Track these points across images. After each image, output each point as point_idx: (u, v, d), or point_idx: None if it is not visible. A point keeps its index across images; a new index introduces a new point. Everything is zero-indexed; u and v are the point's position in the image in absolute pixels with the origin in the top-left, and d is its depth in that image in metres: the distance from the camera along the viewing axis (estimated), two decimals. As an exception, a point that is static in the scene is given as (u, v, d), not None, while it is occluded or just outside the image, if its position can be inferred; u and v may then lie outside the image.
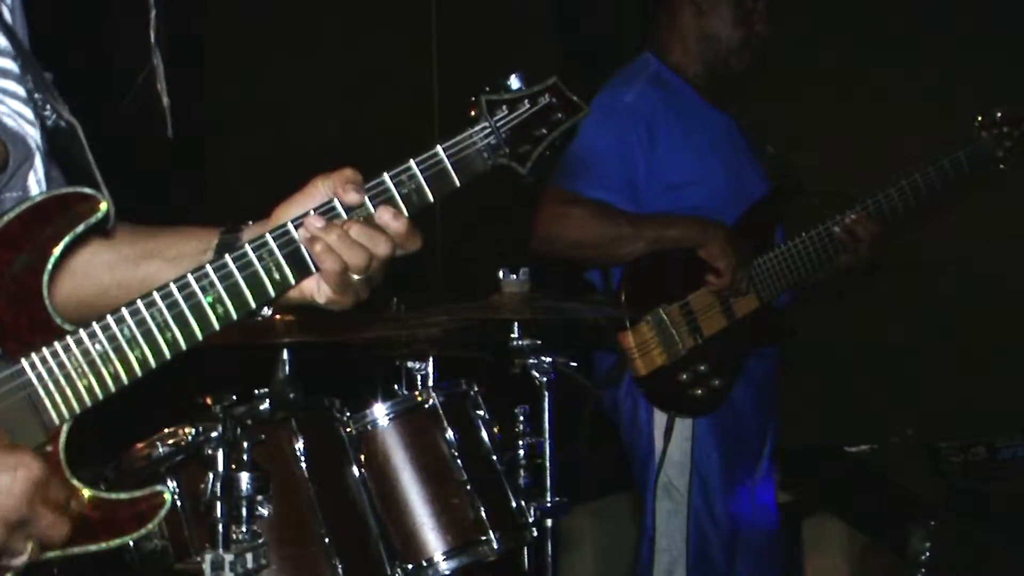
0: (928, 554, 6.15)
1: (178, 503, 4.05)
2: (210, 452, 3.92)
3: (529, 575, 4.72)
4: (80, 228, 2.42)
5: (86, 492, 2.40)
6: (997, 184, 5.91)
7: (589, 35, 5.50)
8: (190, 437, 4.02)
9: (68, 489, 2.38)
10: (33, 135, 2.57)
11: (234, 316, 2.52)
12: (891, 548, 6.23)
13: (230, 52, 8.39)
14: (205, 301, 2.48)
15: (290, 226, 2.54)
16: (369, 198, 2.60)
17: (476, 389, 4.63)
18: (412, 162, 2.64)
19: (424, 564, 4.35)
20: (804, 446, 6.22)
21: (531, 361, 4.71)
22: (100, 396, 2.43)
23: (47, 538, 2.26)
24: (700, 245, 5.25)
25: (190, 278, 2.48)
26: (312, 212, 2.56)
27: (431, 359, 4.60)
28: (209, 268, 2.50)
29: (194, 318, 2.48)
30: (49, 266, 2.40)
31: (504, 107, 2.72)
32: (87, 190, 2.44)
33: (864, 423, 7.06)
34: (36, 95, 2.58)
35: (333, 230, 2.54)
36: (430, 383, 4.59)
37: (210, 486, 3.90)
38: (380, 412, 4.43)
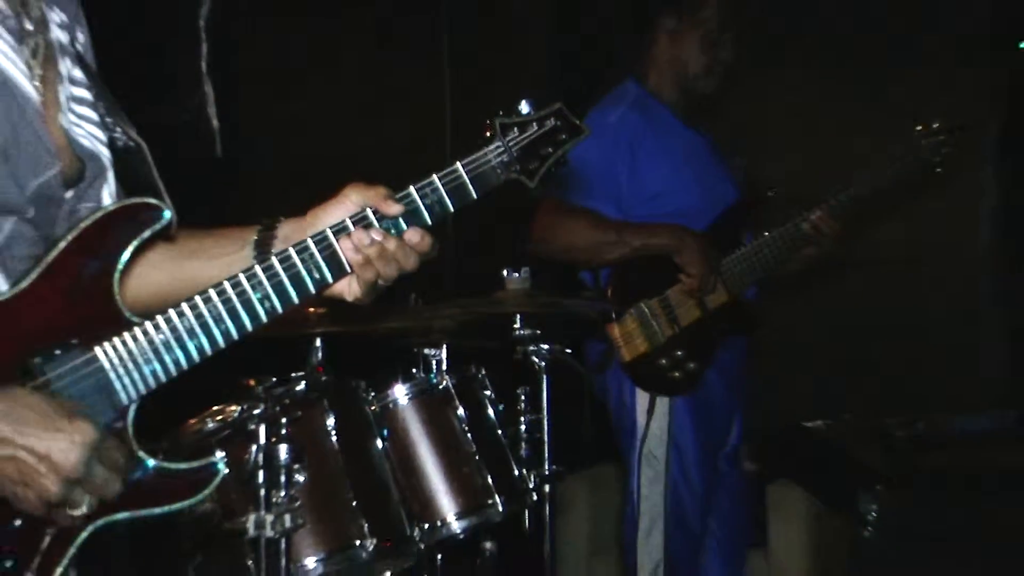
0: (875, 515, 6.15)
1: (224, 472, 4.04)
2: (253, 427, 3.99)
3: (529, 535, 4.76)
4: (146, 233, 2.46)
5: (151, 463, 2.45)
6: (935, 185, 5.93)
7: (586, 69, 5.50)
8: (236, 414, 4.09)
9: (134, 460, 2.42)
10: (105, 153, 2.60)
11: (279, 310, 2.56)
12: (843, 511, 6.24)
13: (264, 74, 8.40)
14: (255, 297, 2.52)
15: (329, 233, 2.58)
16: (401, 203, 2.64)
17: (483, 373, 4.67)
18: (435, 176, 2.68)
19: (439, 524, 4.39)
20: (768, 422, 6.22)
21: (531, 348, 4.77)
22: (163, 379, 2.46)
23: (102, 493, 2.30)
24: (676, 252, 5.27)
25: (241, 277, 2.52)
26: (348, 221, 2.60)
27: (444, 346, 4.62)
28: (258, 268, 2.54)
29: (245, 312, 2.52)
30: (120, 266, 2.44)
31: (515, 129, 2.77)
32: (152, 200, 2.48)
33: (820, 402, 7.06)
34: (107, 119, 2.62)
35: (374, 247, 2.60)
36: (443, 367, 4.60)
37: (253, 457, 3.97)
38: (400, 392, 4.46)
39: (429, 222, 2.67)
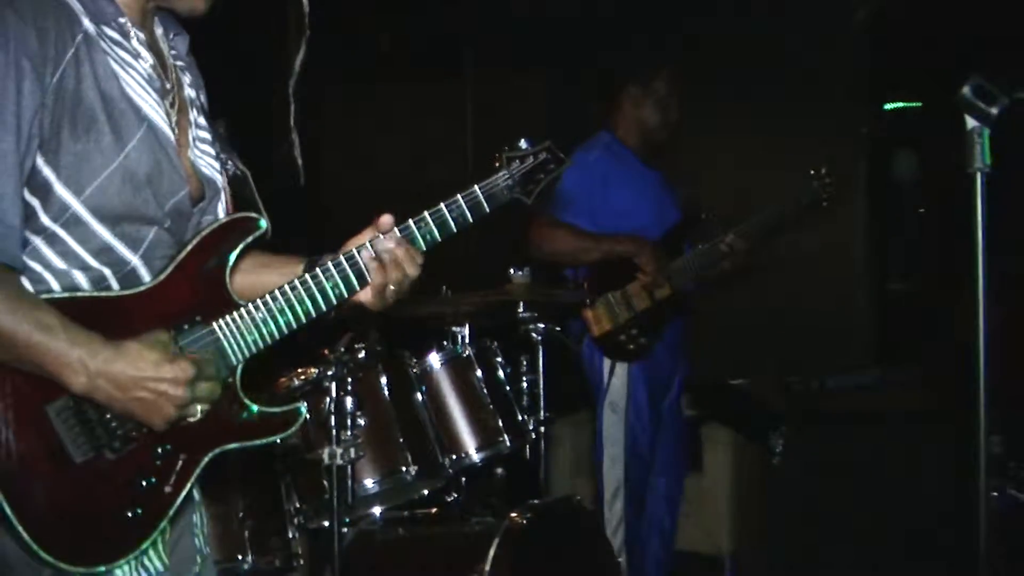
0: (780, 448, 6.16)
1: (307, 416, 4.04)
2: (327, 385, 3.99)
3: (529, 464, 4.75)
4: (249, 239, 2.46)
5: (255, 407, 2.46)
6: (822, 217, 5.94)
7: (577, 133, 5.55)
8: (314, 375, 4.08)
9: (241, 405, 2.44)
10: (220, 180, 2.59)
11: (344, 295, 2.55)
12: (758, 445, 6.24)
13: (334, 126, 8.37)
14: (327, 285, 2.52)
15: (354, 249, 2.58)
16: (431, 217, 2.62)
17: (495, 344, 4.64)
18: (459, 196, 2.64)
19: (463, 455, 4.38)
20: (702, 379, 6.21)
21: (530, 327, 4.77)
22: (262, 346, 2.46)
23: (206, 402, 2.34)
24: (636, 255, 5.29)
25: (317, 270, 2.53)
26: (367, 241, 2.59)
27: (467, 325, 4.60)
28: (329, 264, 2.54)
29: (320, 296, 2.52)
30: (230, 263, 2.45)
31: (518, 160, 2.74)
32: (254, 215, 2.49)
33: (741, 364, 7.05)
34: (221, 155, 2.61)
35: (387, 253, 2.59)
36: (466, 340, 4.58)
37: (327, 406, 3.98)
38: (435, 359, 4.44)
39: (455, 230, 2.63)
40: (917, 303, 7.91)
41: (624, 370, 5.37)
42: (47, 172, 2.22)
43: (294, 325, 2.51)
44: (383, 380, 4.28)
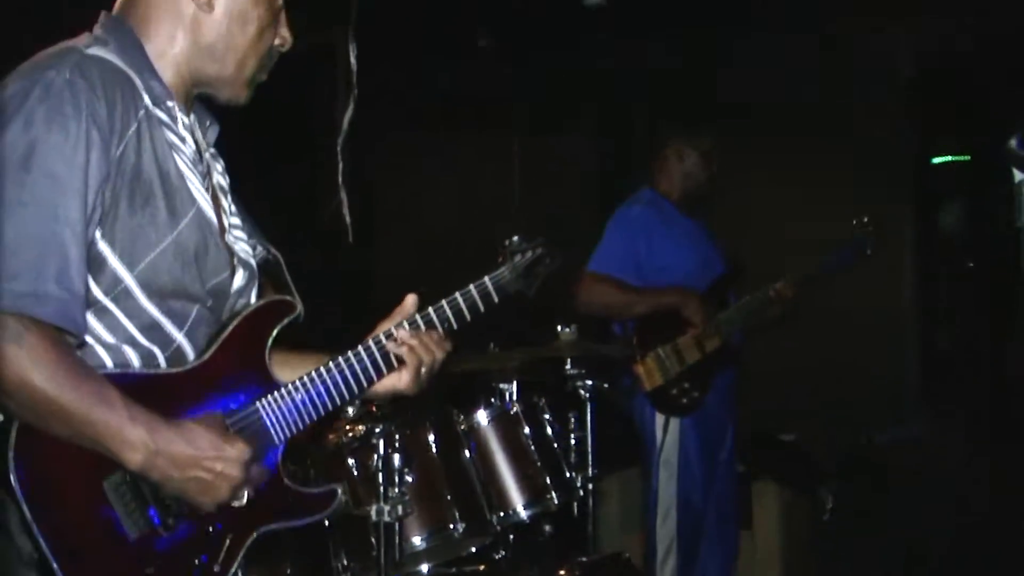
0: (830, 504, 6.11)
1: (355, 472, 4.04)
2: (375, 441, 3.95)
3: (576, 520, 4.67)
4: (285, 320, 2.51)
5: (294, 488, 2.50)
6: (871, 269, 5.91)
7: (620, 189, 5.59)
8: (363, 431, 4.04)
9: (282, 487, 2.48)
10: (254, 264, 2.60)
11: (375, 377, 2.64)
12: (808, 500, 6.19)
13: (385, 185, 8.40)
14: (358, 368, 2.61)
15: (382, 336, 2.66)
16: (448, 305, 2.74)
17: (543, 401, 4.58)
18: (471, 286, 2.78)
19: (511, 512, 4.32)
20: (750, 434, 6.16)
21: (578, 383, 4.71)
22: (302, 427, 2.50)
23: (256, 485, 2.37)
24: (683, 308, 5.27)
25: (349, 353, 2.61)
26: (392, 328, 2.68)
27: (515, 381, 4.55)
28: (360, 348, 2.63)
29: (352, 378, 2.59)
30: (269, 342, 2.49)
31: (519, 255, 2.89)
32: (289, 298, 2.53)
33: (790, 417, 7.00)
34: (252, 239, 2.61)
35: (413, 339, 2.67)
36: (514, 397, 4.53)
37: (375, 462, 3.94)
38: (482, 416, 4.38)
39: (468, 317, 2.76)
40: (964, 356, 7.82)
41: (677, 425, 5.32)
42: (102, 245, 2.22)
43: (330, 407, 2.56)
44: (431, 436, 4.23)
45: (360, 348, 2.63)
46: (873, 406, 7.33)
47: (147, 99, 2.32)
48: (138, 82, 2.32)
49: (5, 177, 2.10)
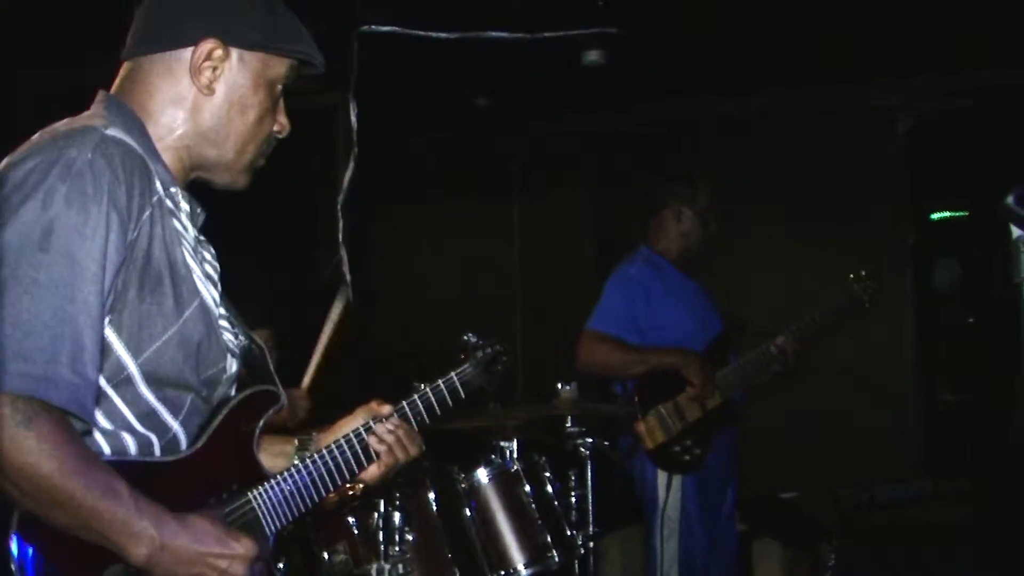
0: (832, 561, 6.07)
1: (355, 531, 4.02)
2: (375, 500, 3.97)
3: (578, 578, 4.66)
4: (271, 411, 2.51)
5: None
6: (869, 325, 5.91)
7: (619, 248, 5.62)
8: (363, 490, 3.99)
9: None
10: (237, 354, 2.55)
11: (356, 471, 2.68)
12: (809, 559, 6.14)
13: (384, 244, 8.42)
14: (340, 461, 2.64)
15: (361, 430, 2.72)
16: (420, 399, 2.84)
17: (544, 459, 4.55)
18: (439, 381, 2.90)
19: (511, 571, 4.26)
20: (752, 492, 6.13)
21: (578, 441, 4.69)
22: (291, 518, 2.49)
23: None
24: (683, 368, 5.23)
25: (332, 445, 2.64)
26: (372, 422, 2.75)
27: (515, 440, 4.54)
28: (341, 440, 2.67)
29: (336, 471, 2.62)
30: (256, 434, 2.48)
31: (480, 351, 3.02)
32: (273, 388, 2.52)
33: (790, 475, 6.99)
34: (236, 329, 2.57)
35: (392, 435, 2.74)
36: (514, 455, 4.51)
37: (375, 521, 3.95)
38: (482, 474, 4.35)
39: (439, 412, 2.87)
40: (966, 412, 7.80)
41: (679, 483, 5.26)
42: (109, 331, 2.18)
43: (316, 499, 2.56)
44: (431, 495, 4.21)
45: (342, 440, 2.65)
46: (874, 463, 7.31)
47: (158, 184, 2.30)
48: (151, 166, 2.30)
49: (22, 255, 2.05)
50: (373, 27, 4.62)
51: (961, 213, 7.85)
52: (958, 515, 6.28)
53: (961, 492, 6.56)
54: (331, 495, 2.63)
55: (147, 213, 2.22)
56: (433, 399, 2.84)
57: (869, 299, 5.64)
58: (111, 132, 2.22)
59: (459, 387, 2.91)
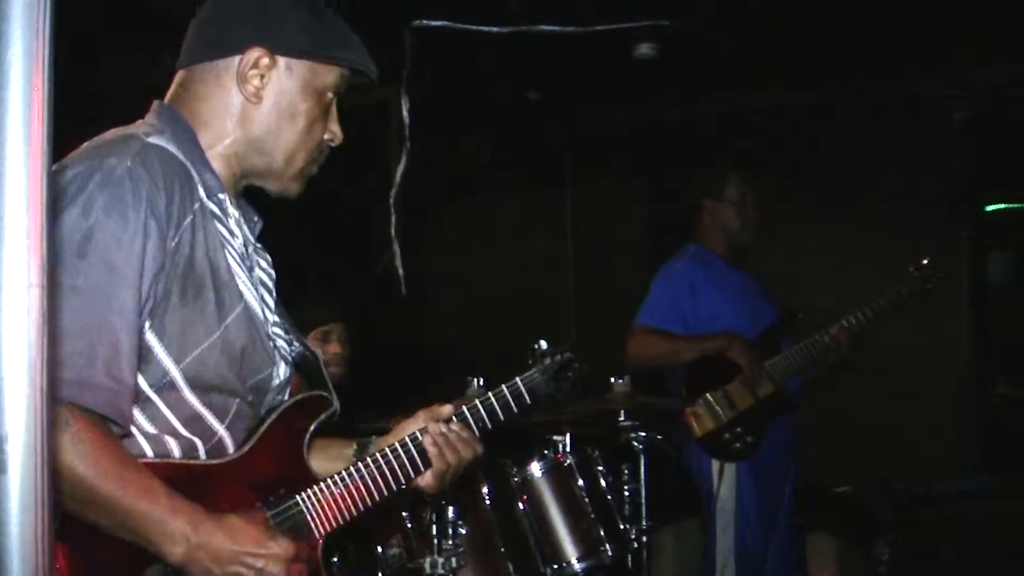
0: (887, 556, 6.03)
1: (408, 525, 4.02)
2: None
3: (631, 573, 4.63)
4: (323, 416, 2.51)
5: None
6: (926, 319, 5.86)
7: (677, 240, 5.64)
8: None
9: None
10: (290, 360, 2.58)
11: (411, 475, 2.65)
12: (863, 554, 6.10)
13: (436, 239, 8.42)
14: (395, 465, 2.61)
15: (418, 433, 2.67)
16: (482, 404, 2.79)
17: (597, 453, 4.55)
18: (504, 387, 2.86)
19: (565, 565, 4.26)
20: (806, 486, 6.10)
21: (631, 435, 4.69)
22: (341, 522, 2.49)
23: None
24: (728, 350, 5.26)
25: (386, 449, 2.61)
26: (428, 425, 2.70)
27: (568, 434, 4.53)
28: (396, 444, 2.64)
29: (390, 475, 2.60)
30: (306, 438, 2.48)
31: (549, 358, 2.97)
32: (326, 394, 2.53)
33: (845, 468, 6.95)
34: (289, 335, 2.60)
35: (445, 437, 2.69)
36: (568, 449, 4.50)
37: (429, 515, 3.94)
38: (536, 468, 4.35)
39: (502, 418, 2.82)
40: (1022, 405, 7.72)
41: (732, 472, 5.28)
42: (150, 336, 2.20)
43: (369, 503, 2.55)
44: (485, 489, 4.23)
45: (396, 444, 2.63)
46: (930, 457, 7.25)
47: (202, 191, 2.32)
48: (194, 173, 2.32)
49: (61, 262, 2.07)
50: (425, 21, 4.61)
51: (1016, 205, 7.74)
52: (1016, 510, 6.21)
53: (1017, 485, 6.49)
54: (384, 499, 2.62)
55: (188, 219, 2.24)
56: (496, 405, 2.81)
57: (932, 285, 5.63)
58: (153, 140, 2.25)
59: (524, 393, 2.87)
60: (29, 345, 0.98)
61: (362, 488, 2.52)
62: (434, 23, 4.65)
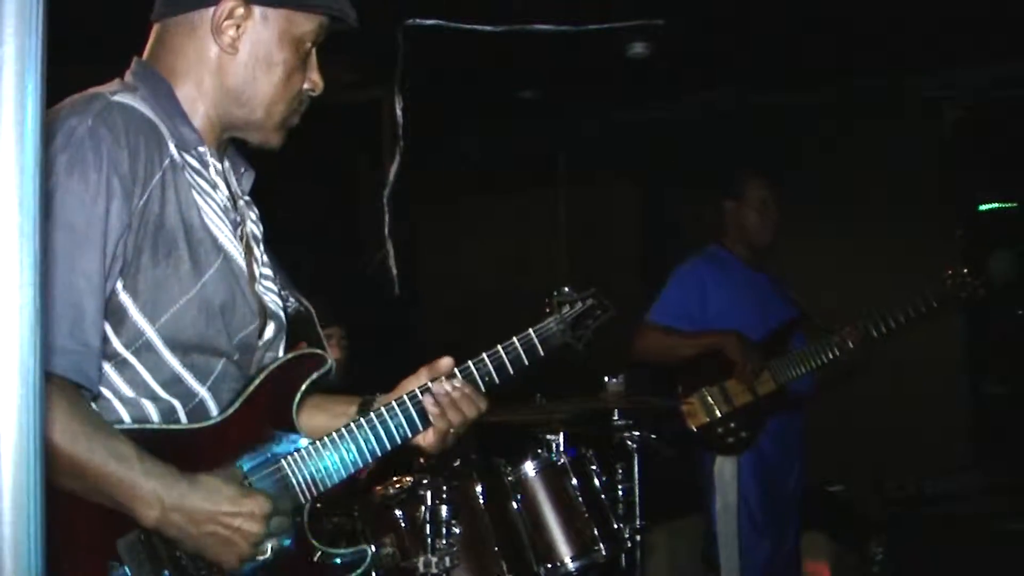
0: (880, 555, 6.04)
1: (402, 524, 4.01)
2: (422, 493, 3.94)
3: (626, 572, 4.65)
4: (315, 375, 2.45)
5: (321, 549, 2.41)
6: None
7: (670, 238, 5.64)
8: (410, 483, 4.02)
9: (308, 547, 2.40)
10: (282, 316, 2.55)
11: (408, 435, 2.55)
12: (857, 553, 6.11)
13: (429, 238, 8.42)
14: (392, 424, 2.51)
15: (417, 391, 2.57)
16: (490, 358, 2.64)
17: (591, 452, 4.54)
18: (515, 339, 2.69)
19: (558, 564, 4.25)
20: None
21: (625, 434, 4.71)
22: (329, 484, 2.43)
23: (279, 537, 2.31)
24: (722, 347, 5.32)
25: (382, 409, 2.53)
26: (430, 383, 2.59)
27: (562, 433, 4.53)
28: (394, 403, 2.53)
29: (385, 435, 2.51)
30: (297, 397, 2.43)
31: (567, 305, 2.80)
32: (320, 351, 2.48)
33: (840, 468, 6.94)
34: (283, 291, 2.57)
35: (447, 396, 2.58)
36: (561, 448, 4.50)
37: (423, 514, 3.92)
38: (529, 467, 4.33)
39: (512, 372, 2.66)
40: (1017, 404, 7.71)
41: (734, 471, 5.34)
42: (124, 296, 2.17)
43: (360, 463, 2.48)
44: (478, 488, 4.21)
45: (394, 403, 2.54)
46: (923, 457, 7.24)
47: (172, 147, 2.29)
48: (164, 129, 2.28)
49: None
50: (418, 20, 4.61)
51: (1010, 204, 7.75)
52: (1009, 509, 6.22)
53: (1011, 484, 6.50)
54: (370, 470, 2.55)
55: (157, 177, 2.21)
56: (505, 357, 2.64)
57: (968, 295, 5.62)
58: (118, 98, 2.22)
59: (537, 345, 2.70)
60: (22, 344, 0.98)
61: (354, 451, 2.45)
62: (427, 22, 4.65)
